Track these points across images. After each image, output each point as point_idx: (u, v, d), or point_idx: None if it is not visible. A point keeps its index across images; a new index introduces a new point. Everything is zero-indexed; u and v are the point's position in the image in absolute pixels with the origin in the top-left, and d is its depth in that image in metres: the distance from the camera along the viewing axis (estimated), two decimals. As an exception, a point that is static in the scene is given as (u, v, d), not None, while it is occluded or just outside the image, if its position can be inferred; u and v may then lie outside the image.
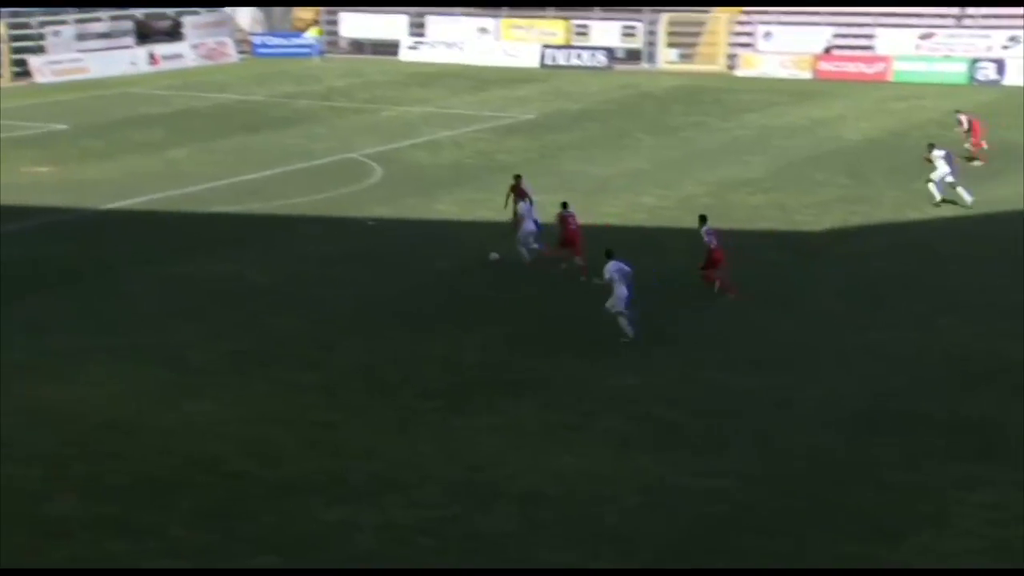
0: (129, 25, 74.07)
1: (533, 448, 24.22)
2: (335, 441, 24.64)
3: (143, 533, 21.15)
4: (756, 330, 30.50)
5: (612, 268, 29.74)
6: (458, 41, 77.45)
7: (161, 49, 74.32)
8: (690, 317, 31.33)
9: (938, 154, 41.54)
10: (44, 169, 47.79)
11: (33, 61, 68.95)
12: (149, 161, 49.10)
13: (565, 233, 34.58)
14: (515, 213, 36.57)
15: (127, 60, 72.35)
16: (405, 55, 78.50)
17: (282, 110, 60.63)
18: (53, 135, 54.33)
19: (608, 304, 29.76)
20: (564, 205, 35.15)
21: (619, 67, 74.59)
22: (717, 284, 32.96)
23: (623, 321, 29.63)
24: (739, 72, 72.04)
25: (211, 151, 51.09)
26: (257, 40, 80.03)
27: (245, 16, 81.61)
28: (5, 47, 67.84)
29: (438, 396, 26.66)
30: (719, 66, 73.82)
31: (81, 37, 71.81)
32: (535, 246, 35.21)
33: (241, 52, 78.46)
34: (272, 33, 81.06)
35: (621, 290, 29.54)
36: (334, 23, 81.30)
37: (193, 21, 77.48)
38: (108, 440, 24.71)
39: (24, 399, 26.48)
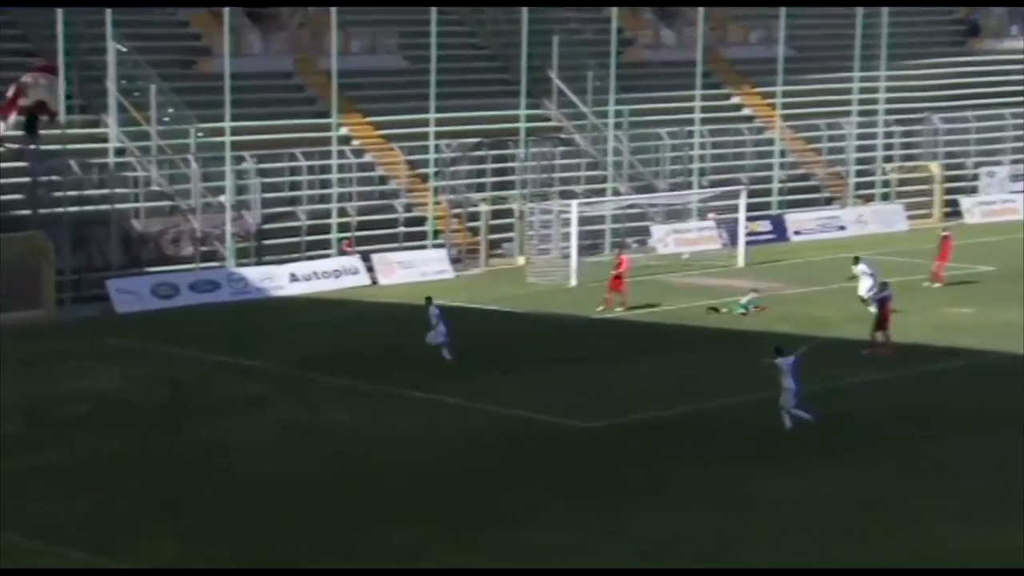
0: None
1: None
2: None
3: None
4: None
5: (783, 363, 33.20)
6: None
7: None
8: None
9: None
10: (966, 310, 48.27)
11: (964, 202, 69.97)
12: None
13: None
14: None
15: (1067, 202, 71.46)
16: None
17: None
18: (978, 276, 54.65)
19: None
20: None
21: None
22: None
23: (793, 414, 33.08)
24: None
25: None
26: None
27: None
28: (938, 187, 69.30)
29: None
30: None
31: (1015, 178, 71.95)
32: None
33: None
34: None
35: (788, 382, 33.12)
36: None
37: None
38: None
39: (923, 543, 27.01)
